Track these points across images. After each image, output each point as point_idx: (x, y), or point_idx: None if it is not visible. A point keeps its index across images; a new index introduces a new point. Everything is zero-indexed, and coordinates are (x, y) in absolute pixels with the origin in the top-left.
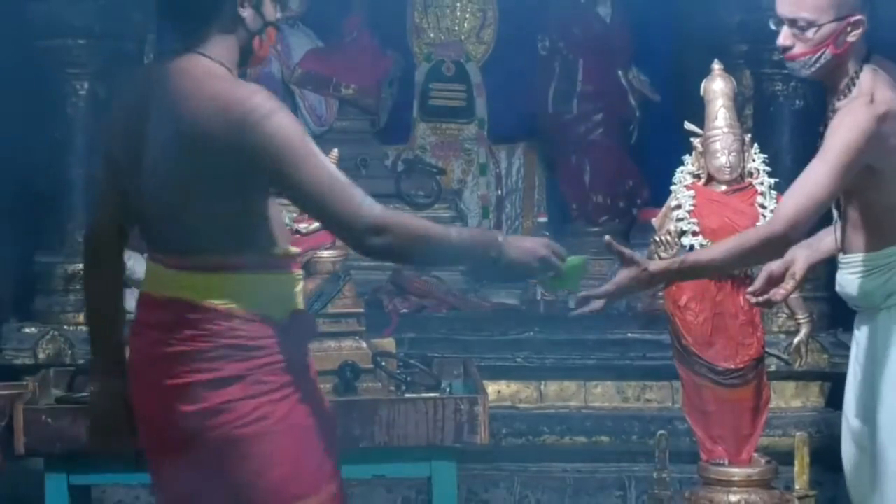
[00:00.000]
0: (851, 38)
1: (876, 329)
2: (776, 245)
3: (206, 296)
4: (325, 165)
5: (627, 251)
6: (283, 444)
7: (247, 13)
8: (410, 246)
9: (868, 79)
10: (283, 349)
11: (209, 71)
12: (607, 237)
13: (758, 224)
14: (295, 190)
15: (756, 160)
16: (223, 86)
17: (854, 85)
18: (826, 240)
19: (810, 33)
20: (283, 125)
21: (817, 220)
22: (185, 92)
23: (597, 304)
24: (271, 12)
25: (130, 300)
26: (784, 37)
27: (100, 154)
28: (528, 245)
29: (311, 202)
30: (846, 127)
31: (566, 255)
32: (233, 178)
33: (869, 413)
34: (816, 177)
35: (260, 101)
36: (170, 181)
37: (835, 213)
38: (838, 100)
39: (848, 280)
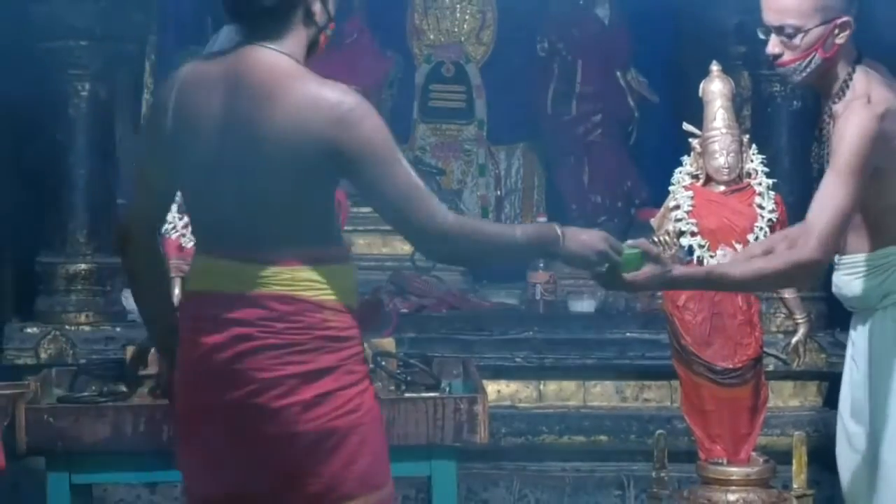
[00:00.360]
0: (839, 40)
1: (872, 330)
2: (809, 269)
3: (299, 289)
4: (409, 173)
5: (655, 249)
6: (369, 435)
7: (317, 7)
8: (480, 252)
9: (862, 80)
10: (360, 339)
11: (289, 69)
12: (640, 240)
13: (762, 235)
14: (376, 193)
15: (754, 161)
16: (312, 85)
17: (848, 87)
18: None
19: (798, 39)
20: (377, 130)
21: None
22: (269, 90)
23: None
24: (333, 7)
25: (132, 301)
26: (773, 45)
27: (147, 146)
28: (586, 238)
29: (390, 206)
30: (851, 133)
31: (623, 249)
32: (321, 175)
33: (864, 414)
34: (835, 191)
35: (355, 104)
36: (256, 179)
37: None
38: (834, 103)
39: (844, 281)
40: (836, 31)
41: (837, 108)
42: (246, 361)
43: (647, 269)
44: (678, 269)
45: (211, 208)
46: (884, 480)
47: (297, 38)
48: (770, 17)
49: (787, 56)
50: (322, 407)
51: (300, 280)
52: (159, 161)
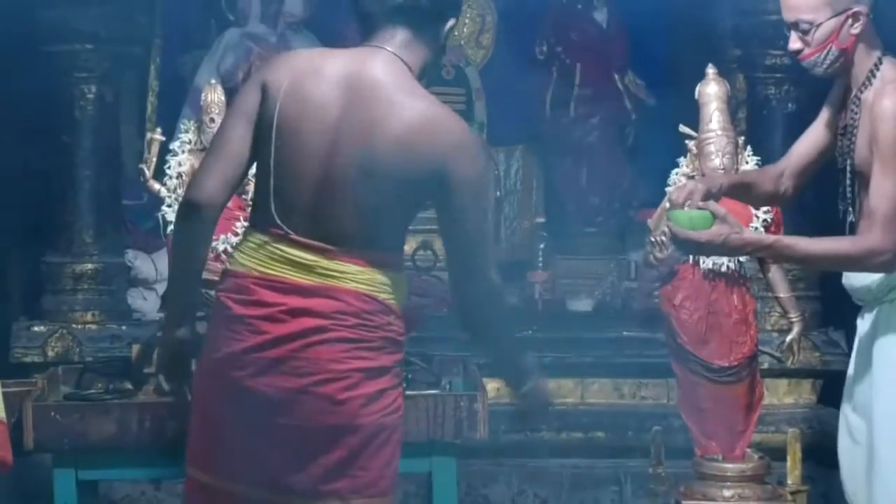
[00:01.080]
0: (854, 30)
1: (877, 322)
2: (878, 255)
3: (377, 290)
4: (489, 220)
5: (722, 210)
6: (401, 436)
7: (445, 28)
8: (494, 329)
9: (890, 68)
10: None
11: (411, 82)
12: (709, 202)
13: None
14: (457, 224)
15: (749, 162)
16: (434, 107)
17: (875, 76)
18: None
19: (812, 34)
20: (484, 167)
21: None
22: (391, 100)
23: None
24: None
25: (137, 300)
26: (792, 41)
27: (242, 120)
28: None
29: (461, 239)
30: (888, 117)
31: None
32: (420, 192)
33: (867, 408)
34: (883, 179)
35: (472, 137)
36: (360, 182)
37: (841, 206)
38: (861, 91)
39: (853, 273)
40: (850, 21)
41: (866, 96)
42: (316, 351)
43: (717, 228)
44: (748, 232)
45: (304, 196)
46: (880, 470)
47: (419, 54)
48: (786, 14)
49: (806, 51)
50: (378, 403)
51: (378, 282)
52: (255, 136)
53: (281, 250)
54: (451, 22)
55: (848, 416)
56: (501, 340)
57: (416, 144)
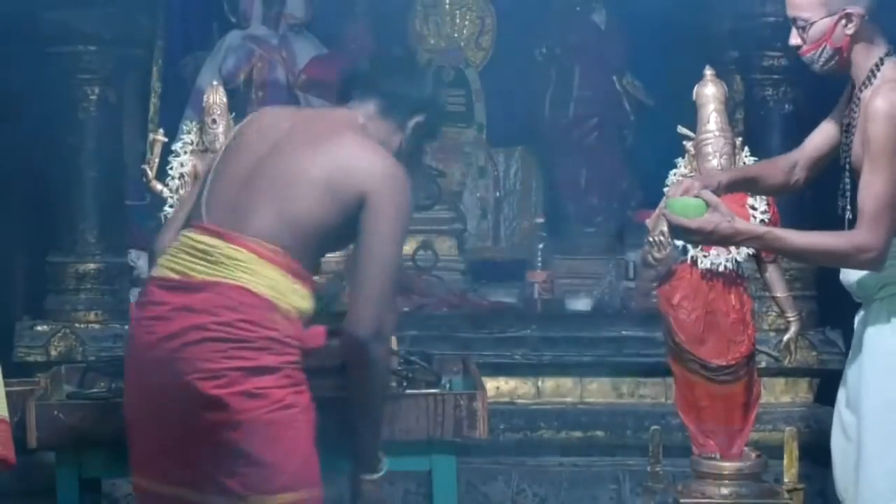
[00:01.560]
0: (848, 31)
1: (868, 319)
2: (866, 253)
3: (260, 285)
4: (397, 257)
5: (716, 199)
6: (303, 434)
7: (411, 122)
8: (381, 372)
9: (891, 67)
10: (300, 351)
11: (361, 136)
12: (704, 191)
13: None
14: (364, 245)
15: (747, 163)
16: (372, 143)
17: (875, 76)
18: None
19: (808, 31)
20: (402, 203)
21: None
22: (334, 129)
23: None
24: (419, 155)
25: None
26: (792, 36)
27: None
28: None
29: (363, 265)
30: (881, 117)
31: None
32: (339, 209)
33: (857, 401)
34: (871, 178)
35: (399, 174)
36: (286, 188)
37: (840, 203)
38: (861, 90)
39: (849, 270)
40: (843, 22)
41: (865, 94)
42: (192, 351)
43: (709, 216)
44: (740, 221)
45: (229, 193)
46: (864, 469)
47: (383, 131)
48: (788, 9)
49: (804, 47)
50: (260, 401)
51: (268, 278)
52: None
53: (188, 237)
54: (417, 118)
55: (841, 413)
56: (366, 408)
57: (345, 161)
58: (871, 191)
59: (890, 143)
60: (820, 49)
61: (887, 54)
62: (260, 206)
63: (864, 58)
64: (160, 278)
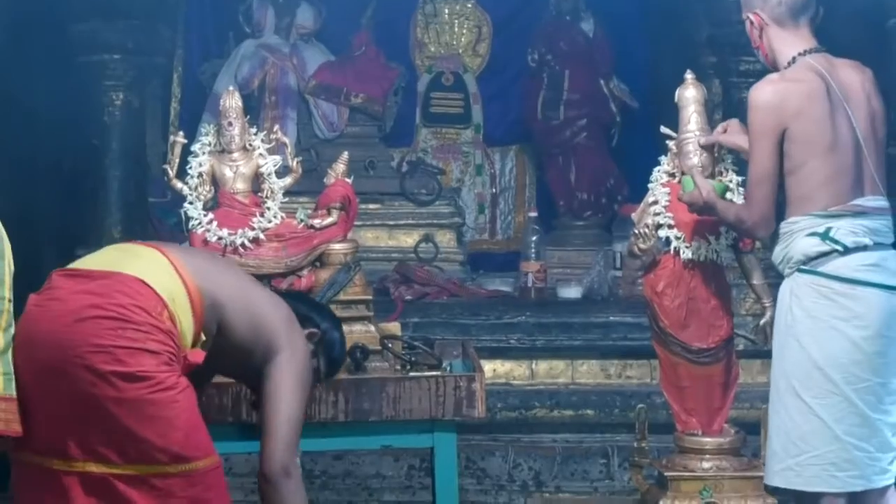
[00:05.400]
0: (755, 33)
1: (779, 293)
2: (742, 227)
3: (157, 285)
4: (301, 405)
5: (700, 178)
6: (184, 412)
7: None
8: (292, 497)
9: (793, 67)
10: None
11: None
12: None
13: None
14: (267, 393)
15: (725, 160)
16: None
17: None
18: None
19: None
20: (304, 363)
21: None
22: None
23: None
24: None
25: None
26: None
27: None
28: None
29: (271, 405)
30: (749, 114)
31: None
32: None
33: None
34: (750, 172)
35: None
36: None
37: None
38: None
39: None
40: (749, 24)
41: None
42: (86, 325)
43: (695, 192)
44: (711, 195)
45: None
46: (769, 432)
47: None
48: None
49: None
50: (144, 381)
51: (167, 283)
52: None
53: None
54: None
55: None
56: None
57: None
58: (748, 171)
59: (754, 128)
60: (756, 48)
61: (801, 53)
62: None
63: (783, 56)
64: (63, 270)
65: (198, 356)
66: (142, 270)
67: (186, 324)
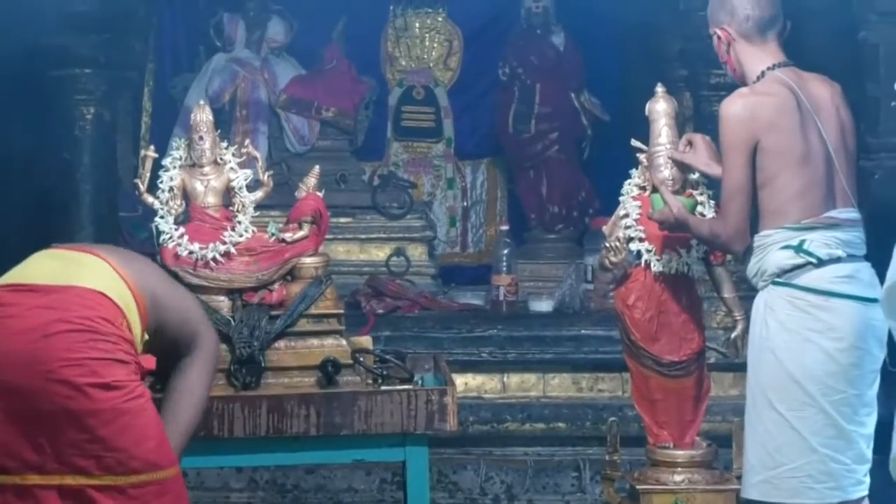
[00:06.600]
0: (722, 48)
1: (754, 306)
2: (716, 242)
3: (114, 294)
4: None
5: (670, 196)
6: (153, 420)
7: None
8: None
9: (762, 82)
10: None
11: None
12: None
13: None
14: (184, 388)
15: (696, 174)
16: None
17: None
18: None
19: None
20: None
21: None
22: None
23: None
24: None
25: None
26: None
27: None
28: None
29: (188, 400)
30: (720, 128)
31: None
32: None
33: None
34: (723, 186)
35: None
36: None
37: None
38: None
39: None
40: (716, 40)
41: None
42: (55, 340)
43: (665, 210)
44: (682, 212)
45: None
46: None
47: None
48: None
49: None
50: (117, 391)
51: (118, 289)
52: None
53: (44, 252)
54: None
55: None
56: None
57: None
58: (722, 185)
59: (726, 142)
60: (724, 63)
61: (769, 68)
62: None
63: (752, 71)
64: (7, 285)
65: (150, 362)
66: (95, 282)
67: (137, 330)
